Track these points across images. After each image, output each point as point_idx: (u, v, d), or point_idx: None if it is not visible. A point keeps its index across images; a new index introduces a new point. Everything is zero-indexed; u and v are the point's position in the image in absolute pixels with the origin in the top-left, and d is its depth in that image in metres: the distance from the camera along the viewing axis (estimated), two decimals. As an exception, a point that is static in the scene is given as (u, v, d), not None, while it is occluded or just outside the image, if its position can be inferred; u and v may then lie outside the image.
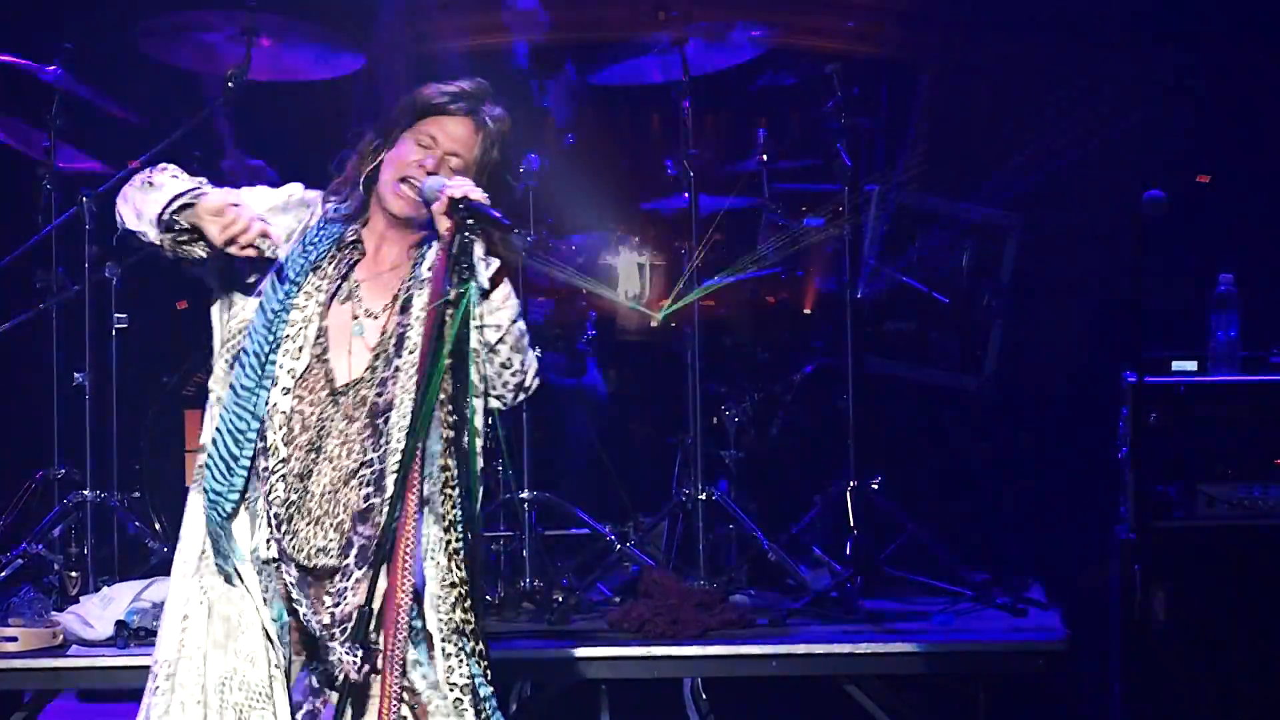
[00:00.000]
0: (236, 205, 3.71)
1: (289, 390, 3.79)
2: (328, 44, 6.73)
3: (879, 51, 7.49)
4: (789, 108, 7.42)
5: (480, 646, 3.78)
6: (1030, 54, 7.21)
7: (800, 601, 6.01)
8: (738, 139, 7.34)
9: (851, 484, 6.29)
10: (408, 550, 3.65)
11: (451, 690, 3.76)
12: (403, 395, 3.79)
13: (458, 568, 3.76)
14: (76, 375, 6.17)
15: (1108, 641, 5.60)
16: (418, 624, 3.75)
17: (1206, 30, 7.03)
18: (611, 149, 7.46)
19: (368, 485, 3.78)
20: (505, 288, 3.84)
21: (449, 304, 3.66)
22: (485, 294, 3.77)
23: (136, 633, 5.65)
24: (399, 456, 3.70)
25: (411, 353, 3.80)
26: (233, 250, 3.71)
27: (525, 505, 6.16)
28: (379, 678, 3.66)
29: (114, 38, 6.73)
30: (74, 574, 6.02)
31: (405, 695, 3.70)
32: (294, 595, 3.81)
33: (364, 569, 3.74)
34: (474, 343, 3.71)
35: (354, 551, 3.77)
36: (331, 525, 3.77)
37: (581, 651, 5.59)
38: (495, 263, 3.80)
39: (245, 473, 3.77)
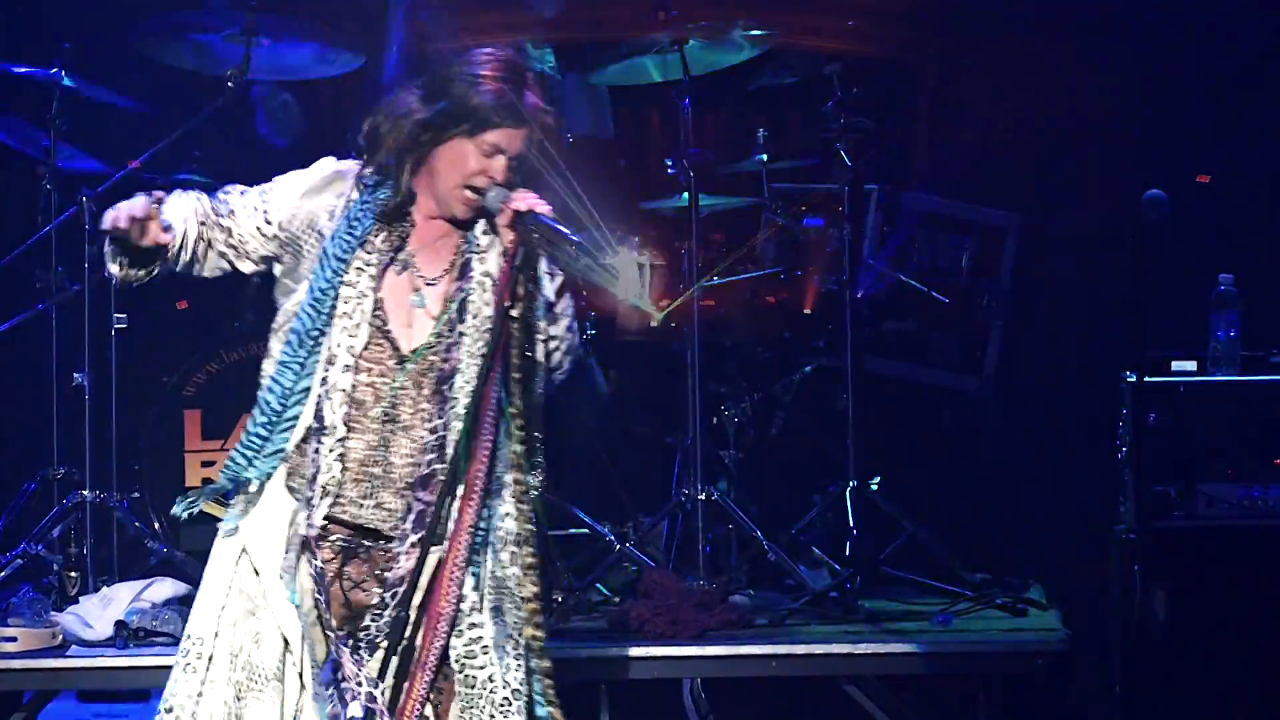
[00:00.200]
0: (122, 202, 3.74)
1: (350, 368, 3.79)
2: (328, 44, 6.73)
3: (879, 51, 7.50)
4: (789, 108, 7.43)
5: (547, 664, 3.81)
6: (1031, 54, 7.20)
7: (800, 602, 6.01)
8: (738, 139, 7.33)
9: (851, 484, 6.30)
10: (468, 527, 3.72)
11: (504, 688, 3.78)
12: (468, 360, 3.81)
13: (534, 583, 3.78)
14: (76, 375, 6.17)
15: (1108, 641, 5.60)
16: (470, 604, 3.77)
17: (1207, 30, 7.03)
18: (611, 149, 7.46)
19: (431, 451, 3.80)
20: (566, 299, 3.88)
21: (511, 316, 3.68)
22: (549, 306, 3.82)
23: (136, 633, 5.65)
24: (461, 423, 3.74)
25: (475, 317, 3.82)
26: (147, 241, 3.75)
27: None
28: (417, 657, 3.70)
29: (114, 38, 6.73)
30: (73, 574, 6.01)
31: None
32: (346, 569, 3.81)
33: (419, 534, 3.76)
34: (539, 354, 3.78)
35: (411, 517, 3.79)
36: (412, 493, 3.81)
37: (581, 652, 5.59)
38: (560, 277, 3.83)
39: (271, 448, 3.79)
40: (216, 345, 6.43)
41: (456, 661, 3.79)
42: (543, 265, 3.75)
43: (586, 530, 6.32)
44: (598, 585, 6.24)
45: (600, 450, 6.71)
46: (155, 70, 6.72)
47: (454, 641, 3.79)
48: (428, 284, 3.87)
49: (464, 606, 3.79)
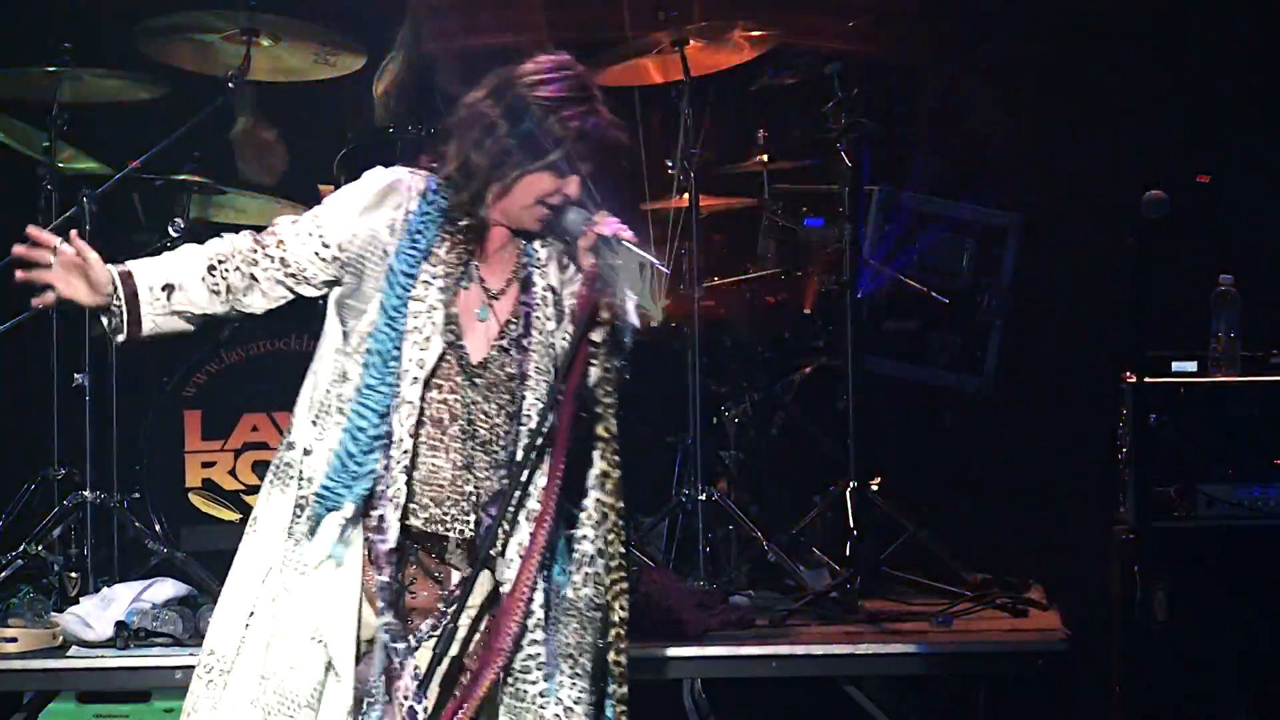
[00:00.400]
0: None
1: (418, 380, 3.77)
2: (328, 44, 6.72)
3: (879, 51, 7.49)
4: (789, 108, 7.42)
5: (624, 691, 3.80)
6: (1031, 54, 7.20)
7: (800, 602, 6.01)
8: (738, 139, 7.33)
9: (851, 484, 6.29)
10: (540, 549, 3.72)
11: (555, 704, 3.80)
12: (536, 377, 3.80)
13: (622, 608, 3.76)
14: (76, 375, 6.16)
15: (1108, 641, 5.59)
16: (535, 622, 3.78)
17: (1207, 30, 7.02)
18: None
19: (502, 467, 3.81)
20: (632, 316, 3.86)
21: (592, 341, 3.68)
22: (632, 329, 3.82)
23: (136, 634, 5.65)
24: (528, 438, 3.76)
25: (540, 333, 3.82)
26: (97, 301, 3.77)
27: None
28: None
29: (114, 38, 6.72)
30: (74, 575, 6.01)
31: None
32: (399, 573, 3.81)
33: (480, 548, 3.78)
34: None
35: (483, 529, 3.80)
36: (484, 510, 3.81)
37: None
38: (634, 299, 3.80)
39: (364, 469, 3.76)
40: (216, 345, 6.43)
41: (509, 674, 3.80)
42: (628, 291, 3.73)
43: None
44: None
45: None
46: (155, 70, 6.71)
47: (512, 656, 3.79)
48: (491, 297, 3.85)
49: (529, 623, 3.80)
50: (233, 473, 6.33)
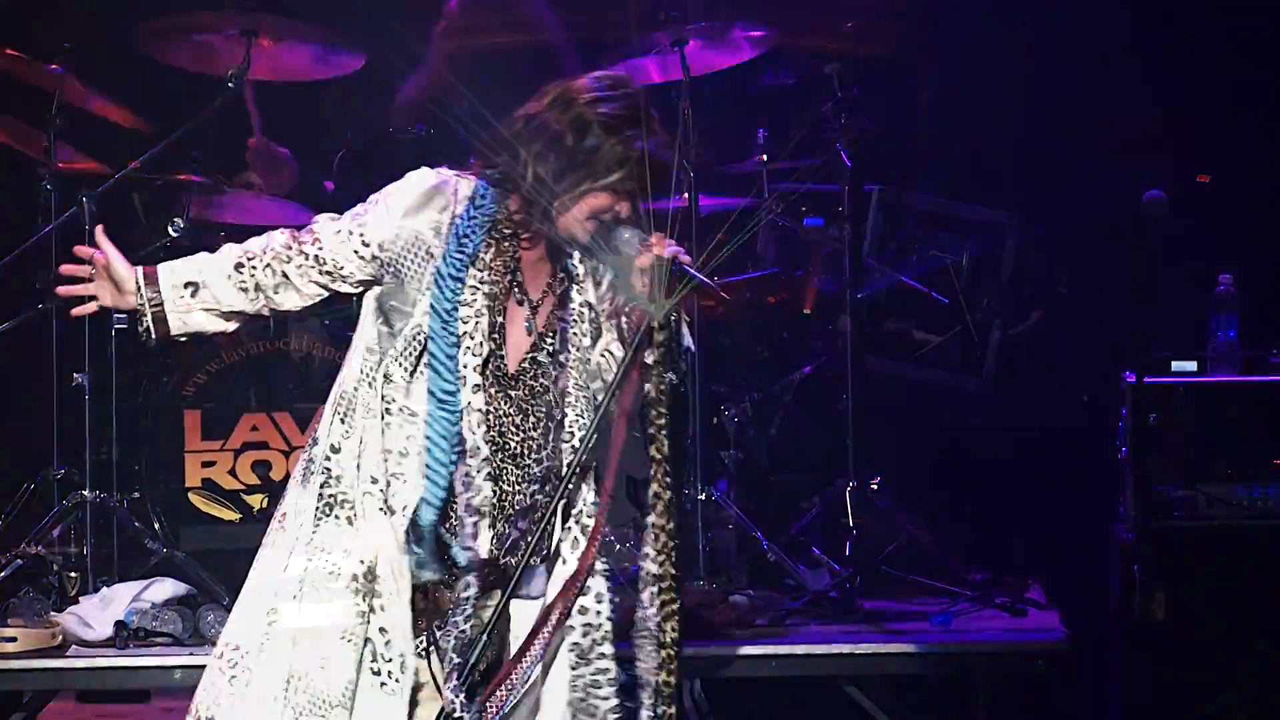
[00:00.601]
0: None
1: (479, 387, 3.76)
2: (328, 44, 6.73)
3: (879, 51, 7.49)
4: (789, 108, 7.42)
5: (672, 712, 3.75)
6: (1031, 53, 7.20)
7: (799, 601, 6.01)
8: (738, 139, 7.33)
9: (851, 484, 6.30)
10: (588, 567, 3.74)
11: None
12: (576, 393, 3.81)
13: (674, 629, 3.71)
14: (76, 375, 6.16)
15: (1108, 641, 5.60)
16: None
17: (1207, 30, 7.03)
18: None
19: (534, 483, 3.81)
20: (688, 338, 3.85)
21: (646, 363, 3.67)
22: (688, 351, 3.81)
23: (136, 633, 5.65)
24: (570, 456, 3.77)
25: (577, 350, 3.81)
26: (124, 301, 3.82)
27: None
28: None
29: (114, 38, 6.72)
30: (73, 574, 6.01)
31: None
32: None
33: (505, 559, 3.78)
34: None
35: (507, 544, 3.80)
36: (513, 524, 3.81)
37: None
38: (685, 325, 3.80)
39: (447, 477, 3.74)
40: (216, 345, 6.42)
41: (579, 689, 3.80)
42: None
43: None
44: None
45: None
46: (155, 70, 6.72)
47: (581, 670, 3.80)
48: (532, 306, 3.84)
49: (596, 636, 3.81)
50: (233, 473, 6.32)
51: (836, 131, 6.49)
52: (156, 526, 6.22)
